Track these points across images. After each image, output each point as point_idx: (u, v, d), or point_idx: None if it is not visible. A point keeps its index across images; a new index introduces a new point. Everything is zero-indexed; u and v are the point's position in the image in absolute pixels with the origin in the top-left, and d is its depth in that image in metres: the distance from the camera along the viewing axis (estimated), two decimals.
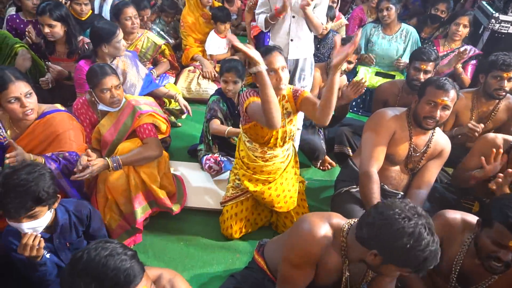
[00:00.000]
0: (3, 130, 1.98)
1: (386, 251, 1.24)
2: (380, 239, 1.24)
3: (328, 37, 3.57)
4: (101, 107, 2.15)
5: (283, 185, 2.18)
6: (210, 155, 2.61)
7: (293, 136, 2.12)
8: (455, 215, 1.64)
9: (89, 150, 1.93)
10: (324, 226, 1.43)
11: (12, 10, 3.51)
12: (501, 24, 3.38)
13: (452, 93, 1.98)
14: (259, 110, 1.76)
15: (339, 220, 1.47)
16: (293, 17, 2.39)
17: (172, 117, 3.19)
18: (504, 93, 2.45)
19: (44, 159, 1.87)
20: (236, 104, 2.61)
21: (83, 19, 3.20)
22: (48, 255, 1.60)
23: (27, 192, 1.40)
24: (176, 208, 2.23)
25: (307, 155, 2.81)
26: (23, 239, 1.45)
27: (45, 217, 1.51)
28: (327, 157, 2.86)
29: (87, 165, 1.85)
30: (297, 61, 2.53)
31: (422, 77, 2.54)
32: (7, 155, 1.75)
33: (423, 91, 2.05)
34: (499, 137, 2.12)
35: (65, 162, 1.93)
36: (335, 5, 3.80)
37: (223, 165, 2.57)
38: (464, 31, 3.25)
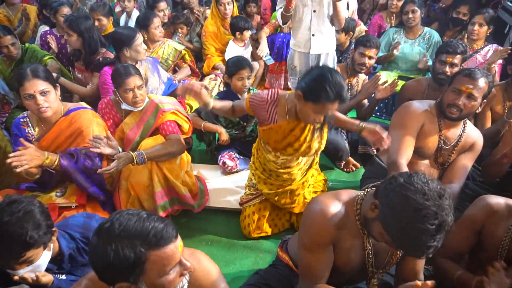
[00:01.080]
0: (32, 128, 2.04)
1: (385, 209, 1.17)
2: (387, 195, 1.16)
3: (350, 49, 3.55)
4: (125, 106, 2.19)
5: (299, 189, 2.13)
6: (226, 152, 2.61)
7: (315, 154, 2.05)
8: (498, 199, 1.55)
9: (109, 132, 1.97)
10: (334, 203, 1.36)
11: (44, 27, 3.71)
12: None
13: (481, 82, 1.90)
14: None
15: (349, 194, 1.40)
16: (314, 11, 2.41)
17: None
18: None
19: (58, 157, 1.89)
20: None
21: (103, 34, 3.30)
22: (63, 277, 1.47)
23: (12, 238, 1.22)
24: (198, 206, 2.20)
25: (330, 156, 2.74)
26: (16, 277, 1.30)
27: (43, 257, 1.34)
28: (350, 158, 2.78)
29: (100, 137, 1.90)
30: (319, 56, 2.53)
31: (448, 70, 2.47)
32: (10, 155, 1.73)
33: (452, 80, 2.01)
34: None
35: (84, 160, 1.94)
36: (352, 15, 3.81)
37: (238, 162, 2.56)
38: (481, 29, 3.17)
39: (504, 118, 2.29)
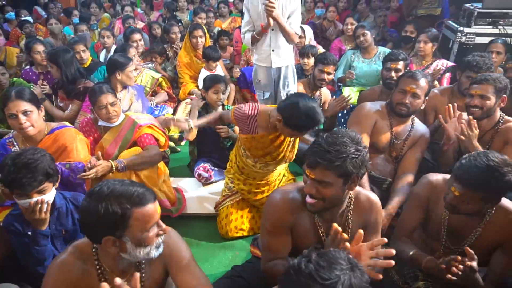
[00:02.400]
0: (17, 147, 2.18)
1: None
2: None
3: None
4: (101, 123, 2.36)
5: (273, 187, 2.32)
6: (201, 164, 2.80)
7: (289, 160, 2.28)
8: (437, 176, 1.74)
9: (99, 153, 2.12)
10: (292, 192, 1.51)
11: (27, 66, 3.93)
12: (467, 36, 3.70)
13: (422, 82, 2.17)
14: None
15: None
16: (272, 30, 2.73)
17: (172, 143, 3.39)
18: None
19: None
20: None
21: (85, 66, 3.56)
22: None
23: (37, 168, 1.55)
24: (176, 211, 2.34)
25: (298, 162, 2.94)
26: (31, 203, 1.57)
27: (51, 193, 1.64)
28: None
29: (95, 165, 2.03)
30: (279, 69, 2.81)
31: (393, 75, 2.78)
32: None
33: (398, 81, 2.28)
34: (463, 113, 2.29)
35: (68, 173, 2.09)
36: (303, 39, 4.12)
37: (212, 173, 2.74)
38: (426, 46, 3.53)
39: (435, 123, 2.60)
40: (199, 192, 2.69)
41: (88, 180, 2.16)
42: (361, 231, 1.26)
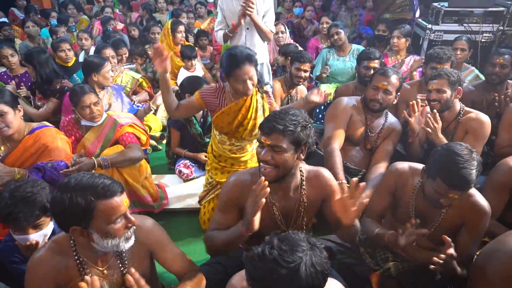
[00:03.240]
0: None
1: None
2: None
3: None
4: (84, 122, 2.39)
5: None
6: (182, 161, 2.86)
7: None
8: (403, 164, 1.85)
9: (82, 150, 2.16)
10: (244, 175, 1.62)
11: (2, 68, 3.90)
12: (436, 33, 3.88)
13: (393, 79, 2.29)
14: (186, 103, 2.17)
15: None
16: (247, 28, 2.83)
17: (153, 141, 3.44)
18: None
19: (28, 172, 2.07)
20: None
21: (69, 65, 3.58)
22: None
23: (35, 202, 1.54)
24: (157, 207, 2.40)
25: None
26: (28, 242, 1.56)
27: (49, 227, 1.61)
28: None
29: (78, 162, 2.08)
30: None
31: (372, 73, 2.89)
32: None
33: (371, 78, 2.40)
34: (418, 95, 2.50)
35: (52, 171, 2.12)
36: (284, 35, 4.26)
37: (192, 169, 2.81)
38: (399, 41, 3.70)
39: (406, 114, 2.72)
40: (181, 188, 2.76)
41: None
42: (355, 179, 1.41)
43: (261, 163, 1.50)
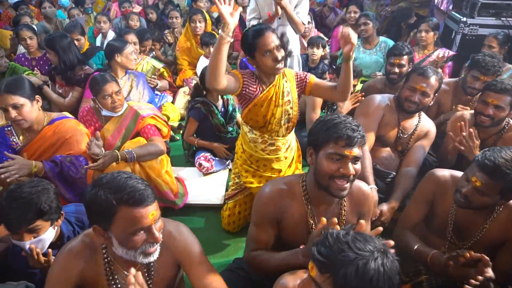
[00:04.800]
0: (16, 137, 2.14)
1: (313, 138, 1.39)
2: (312, 133, 1.40)
3: (318, 67, 3.76)
4: (104, 112, 2.32)
5: None
6: (202, 154, 2.76)
7: (293, 121, 2.09)
8: (444, 172, 1.74)
9: (98, 132, 2.09)
10: (280, 185, 1.50)
11: (22, 49, 3.83)
12: (470, 27, 3.68)
13: (432, 81, 2.13)
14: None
15: (296, 175, 1.57)
16: (279, 18, 2.68)
17: (171, 132, 3.35)
18: (475, 92, 2.52)
19: (44, 165, 2.00)
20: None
21: (82, 51, 3.49)
22: None
23: (29, 204, 1.42)
24: (179, 203, 2.32)
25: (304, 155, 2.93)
26: (28, 258, 1.46)
27: (48, 233, 1.49)
28: None
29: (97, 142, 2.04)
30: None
31: (397, 70, 2.73)
32: None
33: (408, 77, 2.24)
34: (467, 113, 2.29)
35: (69, 166, 2.05)
36: (310, 25, 4.08)
37: (213, 163, 2.72)
38: (428, 35, 3.51)
39: (441, 119, 2.58)
40: (201, 183, 2.68)
41: (90, 172, 2.14)
42: (362, 221, 1.25)
43: (338, 180, 1.34)
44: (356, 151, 1.31)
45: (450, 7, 4.44)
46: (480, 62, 2.46)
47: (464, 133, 2.05)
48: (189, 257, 1.30)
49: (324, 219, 1.24)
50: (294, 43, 2.83)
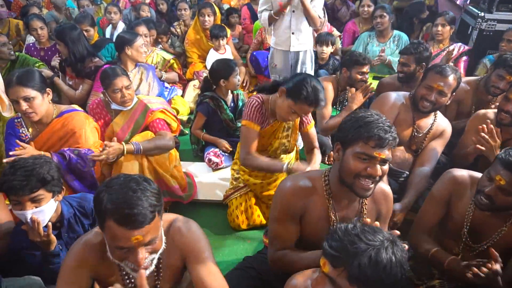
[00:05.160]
0: (25, 128, 2.13)
1: (342, 134, 1.34)
2: (342, 129, 1.35)
3: (329, 63, 3.68)
4: (114, 106, 2.29)
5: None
6: (212, 149, 2.74)
7: (289, 151, 2.21)
8: (462, 172, 1.69)
9: (115, 138, 2.08)
10: (302, 180, 1.46)
11: (31, 39, 3.81)
12: (488, 23, 3.57)
13: (450, 79, 2.05)
14: (246, 138, 2.03)
15: (318, 171, 1.53)
16: (293, 11, 2.62)
17: (181, 126, 3.33)
18: (499, 92, 2.44)
19: (52, 155, 1.99)
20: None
21: (91, 43, 3.44)
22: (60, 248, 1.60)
23: (33, 172, 1.45)
24: (187, 198, 2.31)
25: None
26: (28, 226, 1.46)
27: (49, 205, 1.51)
28: (331, 152, 2.93)
29: (108, 145, 2.00)
30: (297, 54, 2.71)
31: (403, 68, 2.69)
32: (10, 153, 1.89)
33: (425, 74, 2.17)
34: (490, 112, 2.22)
35: (77, 159, 2.04)
36: (323, 19, 3.97)
37: (222, 158, 2.69)
38: (444, 30, 3.41)
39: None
40: (210, 178, 2.65)
41: (98, 167, 2.12)
42: (377, 222, 1.23)
43: (363, 179, 1.30)
44: (386, 153, 1.26)
45: (468, 2, 4.32)
46: (508, 61, 2.37)
47: (483, 133, 1.98)
48: (193, 253, 1.25)
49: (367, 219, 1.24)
50: (308, 38, 2.76)
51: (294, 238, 1.48)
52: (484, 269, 1.36)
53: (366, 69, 2.71)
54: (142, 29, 3.32)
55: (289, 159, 2.25)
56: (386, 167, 1.30)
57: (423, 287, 1.74)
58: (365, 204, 1.47)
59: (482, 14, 3.59)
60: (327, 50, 3.40)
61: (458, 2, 4.69)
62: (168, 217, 1.30)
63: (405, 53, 2.68)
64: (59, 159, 2.01)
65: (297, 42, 2.70)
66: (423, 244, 1.68)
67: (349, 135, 1.30)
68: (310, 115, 2.15)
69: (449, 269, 1.53)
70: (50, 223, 1.49)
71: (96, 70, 2.86)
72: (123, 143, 2.09)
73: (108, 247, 1.12)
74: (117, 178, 1.10)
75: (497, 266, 1.37)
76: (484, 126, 2.00)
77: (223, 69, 2.67)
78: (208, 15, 3.89)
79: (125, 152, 2.07)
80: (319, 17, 2.64)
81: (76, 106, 2.24)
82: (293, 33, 2.67)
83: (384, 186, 1.53)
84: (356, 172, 1.29)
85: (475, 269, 1.36)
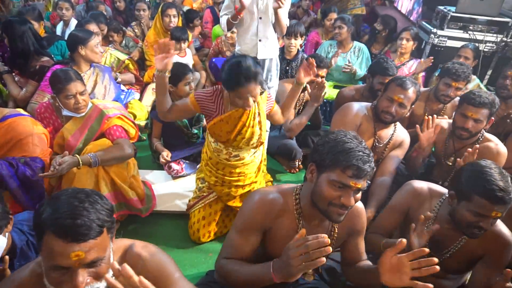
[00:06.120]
0: None
1: (319, 158, 1.29)
2: (319, 151, 1.30)
3: (298, 58, 3.71)
4: (66, 112, 2.10)
5: (250, 187, 2.20)
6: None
7: (261, 141, 2.12)
8: (421, 184, 1.72)
9: (66, 152, 1.90)
10: (272, 194, 1.41)
11: None
12: (439, 39, 3.77)
13: (410, 92, 2.12)
14: (179, 104, 2.00)
15: (289, 186, 1.48)
16: (260, 18, 2.56)
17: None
18: (449, 99, 2.62)
19: None
20: None
21: None
22: None
23: None
24: (145, 211, 2.18)
25: (285, 156, 2.84)
26: None
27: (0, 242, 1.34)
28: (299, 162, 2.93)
29: (60, 163, 1.82)
30: (263, 61, 2.66)
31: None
32: None
33: (386, 87, 2.21)
34: (444, 121, 2.34)
35: (25, 168, 1.86)
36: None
37: (183, 165, 2.59)
38: (408, 44, 3.57)
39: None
40: (170, 187, 2.53)
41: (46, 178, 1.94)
42: (404, 240, 1.20)
43: (333, 208, 1.27)
44: (362, 183, 1.23)
45: (420, 18, 4.55)
46: (451, 69, 2.54)
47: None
48: (162, 279, 1.13)
49: (303, 230, 1.15)
50: (274, 46, 2.73)
51: (250, 252, 1.41)
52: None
53: (322, 72, 2.72)
54: (93, 27, 3.10)
55: (253, 152, 2.16)
56: (359, 195, 1.28)
57: None
58: (336, 225, 1.45)
59: (435, 30, 3.79)
60: (295, 43, 3.27)
61: (412, 18, 4.95)
62: (122, 243, 1.14)
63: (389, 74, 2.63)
64: (7, 167, 1.82)
65: (265, 49, 2.66)
66: (373, 239, 1.71)
67: (327, 160, 1.25)
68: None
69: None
70: (6, 257, 1.32)
71: (41, 70, 2.63)
72: (77, 155, 1.92)
73: (44, 270, 0.94)
74: (65, 191, 0.97)
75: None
76: (429, 117, 2.14)
77: (173, 74, 2.55)
78: (174, 16, 3.76)
79: (80, 165, 1.90)
80: (286, 25, 2.63)
81: (21, 110, 2.05)
82: (260, 40, 2.62)
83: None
84: (329, 200, 1.26)
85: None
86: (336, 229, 1.45)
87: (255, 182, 2.25)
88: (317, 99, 2.61)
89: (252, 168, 2.19)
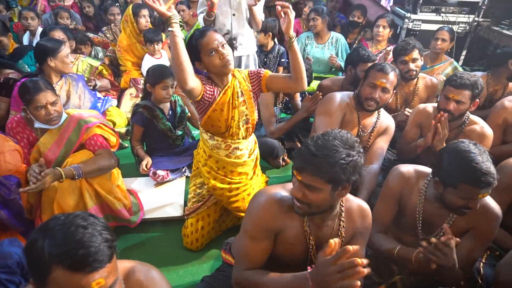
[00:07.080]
0: None
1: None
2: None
3: (274, 49, 3.70)
4: (38, 125, 1.99)
5: (251, 188, 2.14)
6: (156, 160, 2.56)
7: (251, 123, 2.01)
8: (408, 167, 1.72)
9: (42, 159, 1.80)
10: (280, 192, 1.38)
11: None
12: (414, 23, 3.81)
13: (392, 76, 2.12)
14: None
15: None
16: (234, 15, 2.50)
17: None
18: (414, 73, 2.63)
19: None
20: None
21: (7, 53, 3.07)
22: None
23: None
24: (135, 219, 2.10)
25: (267, 154, 2.81)
26: None
27: None
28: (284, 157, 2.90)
29: (40, 174, 1.73)
30: (240, 58, 2.61)
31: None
32: None
33: (367, 74, 2.20)
34: (429, 106, 2.35)
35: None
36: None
37: (168, 171, 2.53)
38: (384, 31, 3.60)
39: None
40: (156, 194, 2.45)
41: (24, 195, 1.84)
42: (336, 240, 1.13)
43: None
44: (302, 177, 1.23)
45: (391, 3, 4.59)
46: (398, 48, 2.64)
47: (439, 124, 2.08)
48: None
49: (332, 241, 1.11)
50: (251, 41, 2.68)
51: (265, 257, 1.38)
52: (433, 239, 1.39)
53: None
54: (59, 34, 2.95)
55: (250, 144, 2.09)
56: (313, 194, 1.24)
57: (385, 285, 1.76)
58: (343, 222, 1.41)
59: (408, 14, 3.83)
60: (268, 39, 3.39)
61: (383, 4, 4.98)
62: (123, 264, 1.09)
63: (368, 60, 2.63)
64: None
65: (240, 47, 2.61)
66: (384, 243, 1.68)
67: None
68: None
69: (417, 262, 1.53)
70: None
71: (6, 84, 2.48)
72: (58, 168, 1.82)
73: None
74: (55, 219, 0.89)
75: (452, 241, 1.39)
76: (441, 113, 2.08)
77: (152, 76, 2.50)
78: (147, 16, 3.65)
79: (63, 178, 1.81)
80: (261, 19, 2.58)
81: None
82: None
83: (361, 202, 1.48)
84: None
85: (424, 243, 1.40)
86: (342, 230, 1.41)
87: (255, 183, 2.20)
88: (307, 111, 2.60)
89: (251, 167, 2.12)
